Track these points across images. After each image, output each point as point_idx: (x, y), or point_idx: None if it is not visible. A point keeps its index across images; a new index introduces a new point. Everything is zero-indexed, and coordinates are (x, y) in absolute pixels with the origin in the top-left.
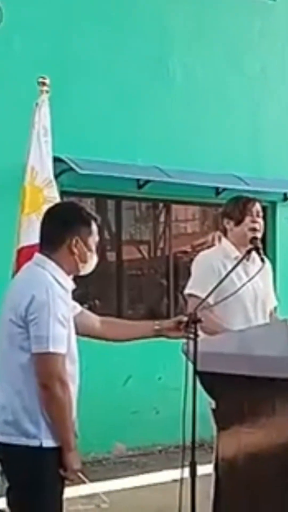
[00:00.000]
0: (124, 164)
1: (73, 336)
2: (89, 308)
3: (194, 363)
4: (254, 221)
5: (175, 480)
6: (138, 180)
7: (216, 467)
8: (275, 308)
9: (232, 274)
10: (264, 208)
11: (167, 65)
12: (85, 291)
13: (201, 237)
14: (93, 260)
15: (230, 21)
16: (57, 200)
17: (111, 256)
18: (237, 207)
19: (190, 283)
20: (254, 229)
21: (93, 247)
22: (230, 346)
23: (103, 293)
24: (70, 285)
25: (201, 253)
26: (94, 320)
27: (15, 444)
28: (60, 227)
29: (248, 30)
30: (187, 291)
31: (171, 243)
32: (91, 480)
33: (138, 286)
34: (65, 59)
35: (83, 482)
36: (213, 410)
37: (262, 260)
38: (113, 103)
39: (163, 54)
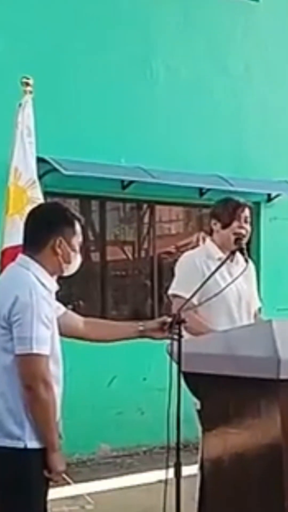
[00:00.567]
0: (108, 164)
1: (57, 337)
2: (73, 309)
3: (179, 364)
4: (241, 227)
5: (160, 481)
6: (122, 180)
7: (201, 468)
8: (260, 309)
9: (216, 275)
10: None
11: (150, 66)
12: (69, 292)
13: (185, 237)
14: (77, 261)
15: (214, 22)
16: (41, 200)
17: (95, 256)
18: (226, 210)
19: (174, 283)
20: (240, 234)
21: (77, 248)
22: (214, 346)
23: (87, 293)
24: (54, 286)
25: (185, 254)
26: (78, 321)
27: None
28: (44, 228)
29: (231, 30)
30: (171, 291)
31: (155, 244)
32: (76, 481)
33: (122, 286)
34: (49, 59)
35: (68, 483)
36: (198, 411)
37: (246, 260)
38: (97, 104)
39: (146, 55)
